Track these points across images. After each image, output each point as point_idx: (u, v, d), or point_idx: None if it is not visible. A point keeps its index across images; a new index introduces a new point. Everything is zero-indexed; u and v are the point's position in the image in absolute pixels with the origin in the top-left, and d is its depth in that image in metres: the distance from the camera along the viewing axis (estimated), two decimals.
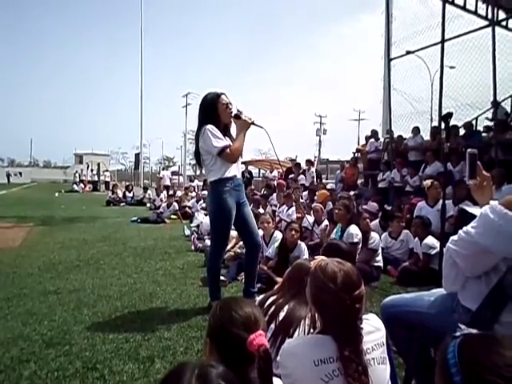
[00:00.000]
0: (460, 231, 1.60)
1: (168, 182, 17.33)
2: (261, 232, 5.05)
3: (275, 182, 10.82)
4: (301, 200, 7.43)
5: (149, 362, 2.50)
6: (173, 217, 10.56)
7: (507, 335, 0.83)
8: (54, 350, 2.68)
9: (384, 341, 1.41)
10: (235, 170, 3.44)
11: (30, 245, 6.61)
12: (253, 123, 3.33)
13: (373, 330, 1.38)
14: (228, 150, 3.24)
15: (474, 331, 0.84)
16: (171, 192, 13.47)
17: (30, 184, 35.01)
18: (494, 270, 1.58)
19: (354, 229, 4.64)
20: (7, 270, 4.85)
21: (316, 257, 1.96)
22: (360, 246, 4.55)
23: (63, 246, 6.43)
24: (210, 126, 3.25)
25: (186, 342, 2.81)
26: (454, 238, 1.63)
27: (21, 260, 5.40)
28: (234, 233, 4.19)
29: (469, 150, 1.83)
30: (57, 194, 21.95)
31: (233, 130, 3.50)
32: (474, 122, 8.41)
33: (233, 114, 3.35)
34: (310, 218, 6.31)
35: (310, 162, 12.11)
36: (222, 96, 3.36)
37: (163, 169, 20.04)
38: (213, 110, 3.33)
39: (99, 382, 2.28)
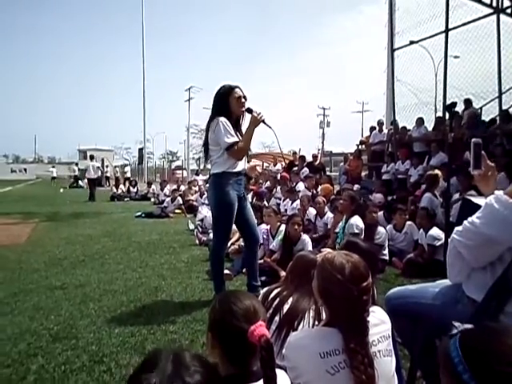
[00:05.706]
0: (465, 221, 1.58)
1: (92, 175, 13.68)
2: (267, 226, 5.05)
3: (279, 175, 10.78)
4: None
5: None
6: (177, 211, 10.57)
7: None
8: (60, 344, 2.71)
9: (389, 333, 1.41)
10: (242, 165, 3.44)
11: (35, 240, 6.65)
12: (263, 121, 3.31)
13: (378, 323, 1.38)
14: (235, 147, 3.23)
15: (469, 326, 0.82)
16: (175, 186, 13.43)
17: (35, 180, 35.17)
18: (500, 261, 1.57)
19: (355, 219, 4.63)
20: (13, 265, 4.88)
21: (323, 249, 1.95)
22: (362, 237, 4.53)
23: (68, 242, 6.47)
24: (223, 119, 3.24)
25: (192, 335, 2.83)
26: (459, 228, 1.61)
27: (27, 256, 5.44)
28: None
29: (473, 139, 1.80)
30: (61, 190, 22.05)
31: (244, 124, 3.48)
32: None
33: (244, 108, 3.34)
34: (313, 211, 6.30)
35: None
36: (236, 89, 3.34)
37: (91, 158, 15.72)
38: (225, 103, 3.33)
39: (106, 376, 2.30)
